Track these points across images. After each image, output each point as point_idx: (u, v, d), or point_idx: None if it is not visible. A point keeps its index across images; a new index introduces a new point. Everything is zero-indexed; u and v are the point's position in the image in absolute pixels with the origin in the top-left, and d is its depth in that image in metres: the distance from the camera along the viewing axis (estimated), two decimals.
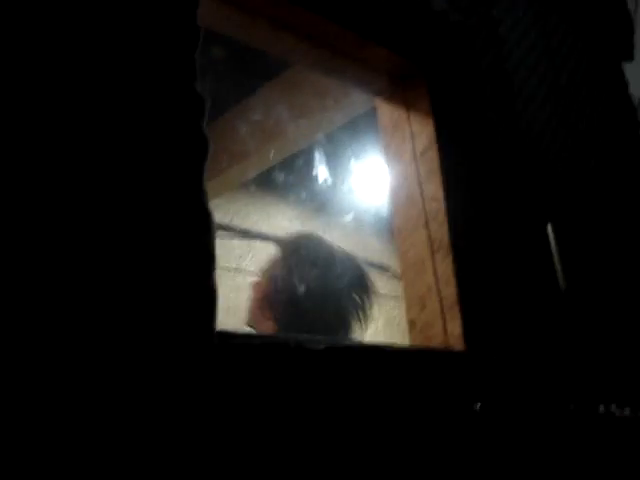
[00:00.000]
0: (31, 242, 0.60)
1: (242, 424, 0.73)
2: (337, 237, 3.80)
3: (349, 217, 3.64)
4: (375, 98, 1.43)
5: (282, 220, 3.55)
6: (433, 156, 1.32)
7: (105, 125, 0.72)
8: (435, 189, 1.31)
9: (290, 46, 1.26)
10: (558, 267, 1.36)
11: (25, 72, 0.65)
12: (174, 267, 0.73)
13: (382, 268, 3.93)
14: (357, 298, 1.56)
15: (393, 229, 1.36)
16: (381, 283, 4.07)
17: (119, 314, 0.66)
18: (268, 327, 1.44)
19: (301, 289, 1.39)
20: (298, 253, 1.53)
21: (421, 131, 1.35)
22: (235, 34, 1.23)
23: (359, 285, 1.61)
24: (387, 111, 1.42)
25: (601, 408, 1.12)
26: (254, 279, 1.58)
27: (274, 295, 1.46)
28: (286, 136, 1.54)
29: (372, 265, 3.93)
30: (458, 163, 1.31)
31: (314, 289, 1.42)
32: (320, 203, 3.53)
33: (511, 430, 0.95)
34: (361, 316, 1.51)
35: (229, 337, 0.76)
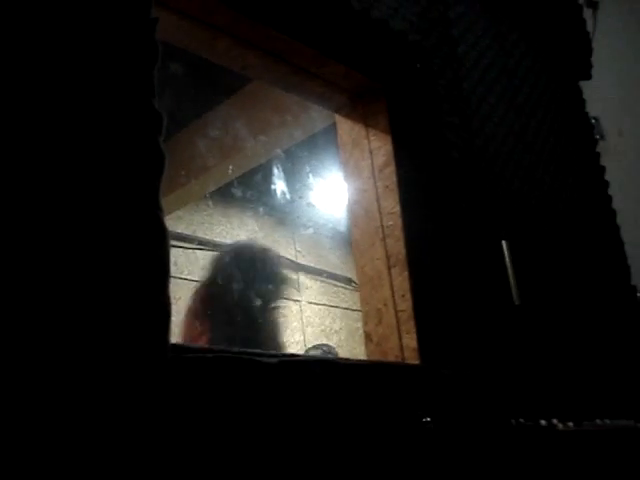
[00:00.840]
0: None
1: (197, 437, 0.74)
2: (300, 249, 3.82)
3: (310, 230, 3.67)
4: (335, 114, 1.45)
5: (245, 232, 3.56)
6: (391, 172, 1.35)
7: (60, 139, 0.72)
8: (393, 204, 1.33)
9: (250, 62, 1.28)
10: (512, 283, 1.39)
11: None
12: (128, 281, 0.73)
13: (346, 281, 3.96)
14: (270, 287, 1.61)
15: (351, 243, 1.38)
16: (344, 296, 4.10)
17: (70, 327, 0.66)
18: (202, 342, 1.46)
19: (233, 293, 1.43)
20: (231, 260, 1.56)
21: (380, 147, 1.37)
22: (195, 49, 1.24)
23: (272, 276, 1.66)
24: (346, 127, 1.44)
25: (543, 422, 1.15)
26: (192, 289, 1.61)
27: (209, 301, 1.49)
28: (245, 151, 1.55)
29: (335, 278, 3.96)
30: (415, 179, 1.34)
31: (243, 292, 1.45)
32: (283, 216, 3.55)
33: (458, 444, 0.97)
34: (272, 298, 1.56)
35: (183, 350, 0.76)
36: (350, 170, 1.40)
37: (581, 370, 1.50)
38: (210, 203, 3.13)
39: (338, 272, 3.95)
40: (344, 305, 3.95)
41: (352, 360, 1.00)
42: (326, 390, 0.88)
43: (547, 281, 1.53)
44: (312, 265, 3.80)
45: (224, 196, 3.11)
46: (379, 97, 1.40)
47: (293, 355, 0.89)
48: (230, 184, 2.30)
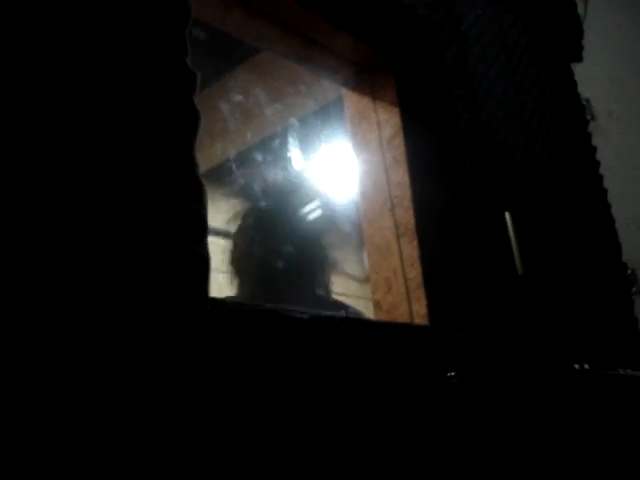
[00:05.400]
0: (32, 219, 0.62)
1: (234, 390, 0.75)
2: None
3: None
4: (342, 88, 1.47)
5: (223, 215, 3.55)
6: (399, 144, 1.37)
7: (98, 98, 0.73)
8: (401, 175, 1.35)
9: (263, 33, 1.29)
10: (516, 253, 1.42)
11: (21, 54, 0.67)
12: (167, 234, 0.75)
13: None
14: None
15: (360, 215, 1.40)
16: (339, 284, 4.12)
17: (112, 285, 0.68)
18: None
19: (269, 249, 1.45)
20: (260, 218, 1.58)
21: (387, 120, 1.40)
22: (209, 19, 1.25)
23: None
24: (354, 100, 1.46)
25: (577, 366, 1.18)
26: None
27: (244, 257, 1.51)
28: (263, 118, 1.57)
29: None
30: (423, 150, 1.36)
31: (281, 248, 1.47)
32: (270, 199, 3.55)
33: (481, 396, 1.00)
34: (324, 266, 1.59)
35: (221, 304, 0.78)
36: (358, 142, 1.42)
37: (575, 337, 1.54)
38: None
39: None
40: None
41: (376, 320, 1.02)
42: (353, 346, 0.91)
43: (547, 253, 1.57)
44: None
45: (211, 179, 3.11)
46: (386, 70, 1.42)
47: (323, 313, 0.91)
48: (217, 166, 2.30)
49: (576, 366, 1.17)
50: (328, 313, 0.88)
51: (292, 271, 1.51)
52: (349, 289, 4.20)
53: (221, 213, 3.49)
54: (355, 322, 0.91)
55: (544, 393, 1.13)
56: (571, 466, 1.12)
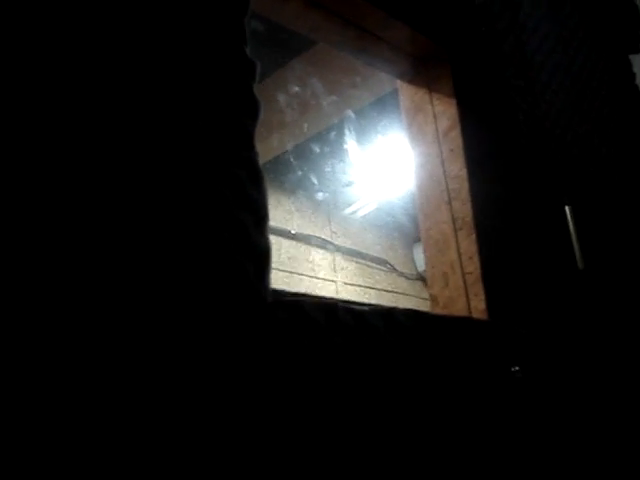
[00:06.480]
0: (82, 199, 0.62)
1: (294, 382, 0.74)
2: (335, 230, 3.83)
3: (346, 211, 3.65)
4: (398, 80, 1.45)
5: (282, 212, 3.57)
6: (456, 136, 1.34)
7: (165, 83, 0.73)
8: (458, 168, 1.33)
9: (318, 24, 1.28)
10: (576, 247, 1.39)
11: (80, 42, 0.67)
12: (228, 226, 0.74)
13: (381, 262, 3.97)
14: None
15: (416, 208, 1.38)
16: (379, 277, 4.10)
17: (178, 271, 0.68)
18: None
19: None
20: None
21: (444, 112, 1.37)
22: (266, 12, 1.25)
23: None
24: (410, 92, 1.44)
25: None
26: None
27: None
28: (319, 110, 1.55)
29: (371, 259, 3.96)
30: (480, 143, 1.34)
31: None
32: (318, 197, 3.54)
33: (544, 391, 0.97)
34: None
35: (281, 295, 0.77)
36: (414, 135, 1.40)
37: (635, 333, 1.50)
38: None
39: (374, 254, 3.95)
40: (379, 286, 3.96)
41: (437, 314, 1.00)
42: (415, 340, 0.89)
43: (607, 248, 1.53)
44: (347, 246, 3.80)
45: (267, 171, 3.11)
46: (443, 62, 1.39)
47: (382, 306, 0.90)
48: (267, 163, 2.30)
49: None
50: (388, 306, 0.87)
51: None
52: (399, 286, 4.18)
53: (279, 207, 3.50)
54: (417, 315, 0.89)
55: (610, 388, 1.10)
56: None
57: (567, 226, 1.40)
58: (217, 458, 0.62)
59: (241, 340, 0.71)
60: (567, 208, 1.41)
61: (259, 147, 0.83)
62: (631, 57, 2.17)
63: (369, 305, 0.87)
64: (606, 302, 1.40)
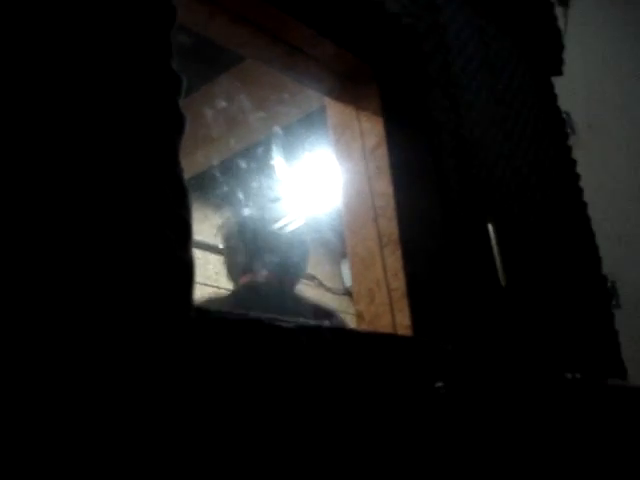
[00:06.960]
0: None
1: (218, 399, 0.74)
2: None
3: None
4: (325, 97, 1.46)
5: (209, 226, 3.52)
6: (383, 154, 1.36)
7: (82, 99, 0.72)
8: (385, 185, 1.34)
9: (246, 40, 1.28)
10: (499, 264, 1.42)
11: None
12: (151, 240, 0.73)
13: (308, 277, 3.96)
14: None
15: (343, 224, 1.39)
16: (307, 292, 4.10)
17: (93, 291, 0.66)
18: None
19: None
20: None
21: (371, 129, 1.39)
22: (192, 26, 1.24)
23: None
24: (337, 109, 1.45)
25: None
26: None
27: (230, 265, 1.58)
28: (247, 125, 1.55)
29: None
30: (407, 161, 1.35)
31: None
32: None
33: (468, 406, 0.99)
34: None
35: (205, 312, 0.76)
36: (341, 151, 1.41)
37: (556, 348, 1.54)
38: None
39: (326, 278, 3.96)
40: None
41: (363, 330, 1.01)
42: (340, 356, 0.89)
43: (529, 264, 1.56)
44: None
45: (191, 186, 3.08)
46: (370, 80, 1.41)
47: (308, 322, 0.90)
48: (196, 177, 2.28)
49: (568, 375, 1.16)
50: (314, 323, 0.87)
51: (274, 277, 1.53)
52: (326, 302, 4.19)
53: (205, 221, 3.46)
54: (342, 332, 0.90)
55: (533, 402, 1.12)
56: (561, 475, 1.11)
57: (490, 244, 1.42)
58: None
59: (162, 355, 0.70)
60: (490, 226, 1.43)
61: (184, 162, 0.83)
62: (553, 79, 2.24)
63: (295, 322, 0.87)
64: (527, 317, 1.44)
